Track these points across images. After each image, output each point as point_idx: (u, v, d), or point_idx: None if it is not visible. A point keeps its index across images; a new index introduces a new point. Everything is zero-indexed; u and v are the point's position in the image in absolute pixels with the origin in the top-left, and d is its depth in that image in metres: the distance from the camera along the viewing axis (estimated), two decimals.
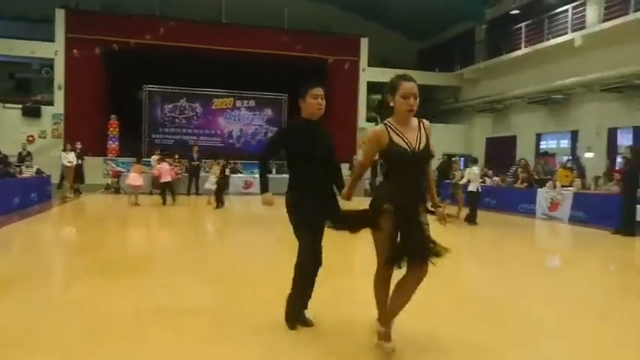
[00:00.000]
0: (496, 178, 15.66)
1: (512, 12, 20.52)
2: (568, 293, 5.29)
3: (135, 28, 20.57)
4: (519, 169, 14.71)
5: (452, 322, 4.03)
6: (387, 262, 3.12)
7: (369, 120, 23.21)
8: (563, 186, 12.68)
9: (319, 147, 3.64)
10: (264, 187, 3.70)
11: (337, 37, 22.71)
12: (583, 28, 16.77)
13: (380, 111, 24.28)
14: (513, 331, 3.88)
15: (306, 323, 3.69)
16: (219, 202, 12.91)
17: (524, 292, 5.24)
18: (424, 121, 3.27)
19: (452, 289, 5.14)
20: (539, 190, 13.17)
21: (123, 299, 4.43)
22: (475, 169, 11.26)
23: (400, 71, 22.79)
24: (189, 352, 3.29)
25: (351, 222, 3.34)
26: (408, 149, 3.09)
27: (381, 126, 3.19)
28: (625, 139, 15.73)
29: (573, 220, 11.62)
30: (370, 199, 3.28)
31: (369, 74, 23.22)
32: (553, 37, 17.95)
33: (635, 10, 14.93)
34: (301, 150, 3.62)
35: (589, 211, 11.22)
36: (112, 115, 20.10)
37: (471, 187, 10.89)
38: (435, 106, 25.46)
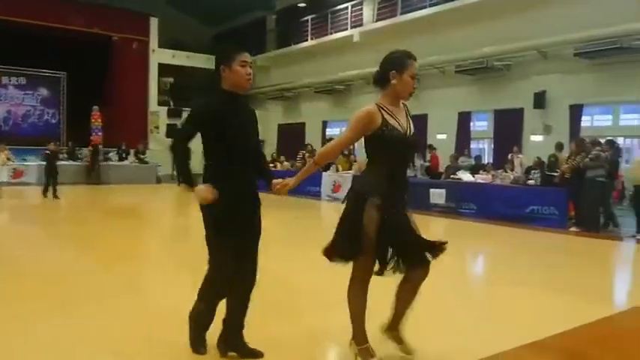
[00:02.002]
0: (287, 163, 16.52)
1: (299, 4, 21.50)
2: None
3: None
4: (306, 154, 15.63)
5: None
6: (380, 263, 2.78)
7: (160, 104, 22.27)
8: (344, 170, 13.84)
9: (249, 128, 2.98)
10: (189, 179, 2.87)
11: (124, 12, 21.10)
12: (361, 25, 18.39)
13: (171, 94, 23.49)
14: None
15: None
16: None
17: (313, 269, 5.52)
18: (406, 104, 3.02)
19: None
20: (323, 173, 14.15)
21: None
22: None
23: (193, 55, 22.33)
24: None
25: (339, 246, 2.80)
26: (402, 132, 2.81)
27: (373, 105, 2.84)
28: None
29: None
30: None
31: (159, 56, 22.22)
32: (336, 32, 19.34)
33: (402, 14, 16.89)
34: (228, 132, 2.84)
35: None
36: None
37: None
38: None
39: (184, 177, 2.89)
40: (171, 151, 2.92)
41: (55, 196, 11.92)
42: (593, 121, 13.43)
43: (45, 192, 12.09)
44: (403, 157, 2.93)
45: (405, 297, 2.91)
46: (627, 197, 10.23)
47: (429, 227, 10.11)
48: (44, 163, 12.81)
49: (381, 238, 2.69)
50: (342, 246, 2.76)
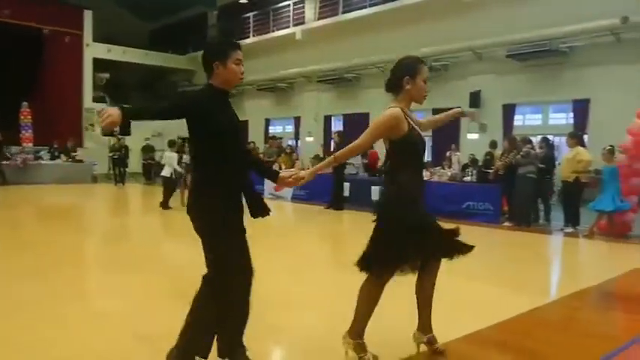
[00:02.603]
0: None
1: (241, 1, 21.28)
2: (282, 263, 5.75)
3: None
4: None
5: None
6: (407, 261, 2.90)
7: (96, 100, 21.46)
8: (287, 168, 13.80)
9: (238, 127, 2.82)
10: (128, 115, 2.39)
11: (56, 4, 20.13)
12: (303, 23, 18.41)
13: (107, 90, 22.68)
14: None
15: None
16: None
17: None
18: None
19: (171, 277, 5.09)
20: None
21: None
22: (169, 153, 10.76)
23: (131, 50, 21.64)
24: None
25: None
26: (422, 136, 2.99)
27: (397, 110, 2.89)
28: (337, 125, 17.96)
29: (295, 198, 12.79)
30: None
31: (94, 50, 21.39)
32: (278, 30, 19.27)
33: (343, 12, 17.04)
34: (219, 129, 2.63)
35: (308, 190, 12.47)
36: None
37: (164, 172, 10.46)
38: (170, 89, 24.93)
39: (131, 110, 2.45)
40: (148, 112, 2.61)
41: None
42: (525, 120, 14.07)
43: None
44: (422, 161, 3.16)
45: (427, 293, 3.07)
46: (556, 192, 10.78)
47: (370, 224, 10.31)
48: None
49: (414, 240, 2.82)
50: (383, 255, 2.83)
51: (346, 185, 11.43)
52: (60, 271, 5.16)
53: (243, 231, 2.73)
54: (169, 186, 10.34)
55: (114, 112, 2.27)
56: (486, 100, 13.76)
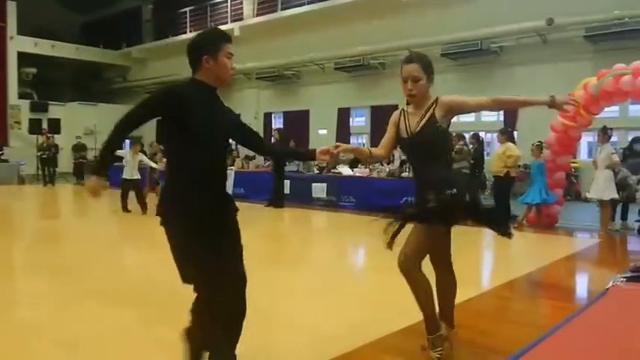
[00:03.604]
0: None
1: None
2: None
3: None
4: None
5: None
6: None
7: (22, 97, 20.36)
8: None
9: (225, 127, 2.52)
10: (102, 166, 2.29)
11: None
12: (241, 19, 18.20)
13: (35, 86, 21.56)
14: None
15: None
16: None
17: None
18: (440, 97, 3.01)
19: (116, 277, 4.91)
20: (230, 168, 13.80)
21: None
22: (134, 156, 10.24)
23: (60, 44, 20.70)
24: None
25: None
26: (406, 135, 2.96)
27: (399, 109, 3.08)
28: (278, 123, 17.90)
29: (236, 196, 12.60)
30: None
31: (19, 44, 20.26)
32: (215, 25, 18.92)
33: (282, 9, 16.98)
34: (204, 129, 2.34)
35: (247, 188, 12.35)
36: None
37: (125, 174, 9.78)
38: (103, 85, 24.01)
39: (99, 162, 2.28)
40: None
41: None
42: (459, 117, 14.52)
43: None
44: (414, 157, 3.08)
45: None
46: (487, 187, 11.20)
47: (311, 220, 10.34)
48: None
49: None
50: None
51: (286, 182, 11.41)
52: None
53: (231, 235, 2.50)
54: (127, 188, 9.63)
55: (92, 182, 2.24)
56: None
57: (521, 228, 8.44)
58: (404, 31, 13.83)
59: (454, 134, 10.12)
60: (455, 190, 2.72)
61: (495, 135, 10.75)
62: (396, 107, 13.28)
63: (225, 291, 2.36)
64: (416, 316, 3.71)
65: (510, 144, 9.08)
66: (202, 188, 2.35)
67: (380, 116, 15.32)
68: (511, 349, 3.09)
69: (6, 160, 17.01)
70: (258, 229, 8.91)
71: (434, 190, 2.76)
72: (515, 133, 11.58)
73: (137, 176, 9.69)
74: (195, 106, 2.32)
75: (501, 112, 13.31)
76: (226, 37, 2.48)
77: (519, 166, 9.22)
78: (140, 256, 6.18)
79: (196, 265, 2.32)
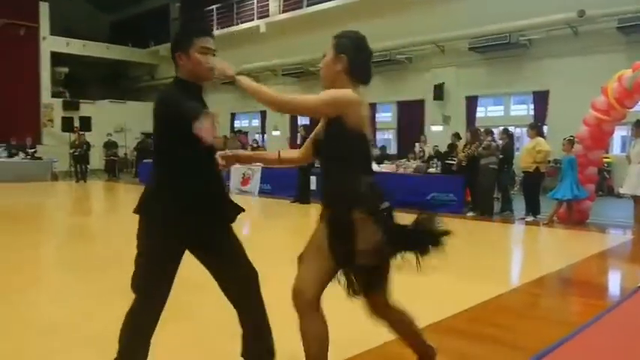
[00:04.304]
0: None
1: None
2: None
3: None
4: None
5: None
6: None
7: (55, 95, 20.85)
8: None
9: None
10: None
11: None
12: (267, 16, 18.27)
13: (68, 85, 22.07)
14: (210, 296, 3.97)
15: None
16: None
17: None
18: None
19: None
20: (232, 167, 13.94)
21: None
22: None
23: (91, 43, 21.09)
24: None
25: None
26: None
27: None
28: (304, 119, 17.92)
29: (262, 192, 12.72)
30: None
31: (52, 44, 20.74)
32: (242, 22, 19.08)
33: (308, 5, 16.98)
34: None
35: (274, 184, 12.42)
36: None
37: None
38: (131, 83, 24.44)
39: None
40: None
41: None
42: (487, 112, 14.35)
43: None
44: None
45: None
46: (517, 182, 11.03)
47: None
48: None
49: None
50: None
51: (312, 179, 11.43)
52: (19, 274, 5.00)
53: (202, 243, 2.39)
54: None
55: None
56: (450, 92, 13.97)
57: (551, 224, 8.31)
58: (431, 25, 13.69)
59: (482, 129, 10.00)
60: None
61: (524, 130, 10.56)
62: (422, 102, 13.25)
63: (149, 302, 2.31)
64: (440, 313, 3.71)
65: (540, 139, 8.93)
66: (187, 188, 2.30)
67: (406, 112, 15.22)
68: (538, 346, 3.05)
69: (40, 158, 17.48)
70: (284, 225, 8.97)
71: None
72: (545, 127, 11.39)
73: None
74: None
75: (531, 106, 13.08)
76: (200, 31, 2.38)
77: (549, 161, 9.05)
78: None
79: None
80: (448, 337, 3.34)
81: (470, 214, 9.38)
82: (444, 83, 13.96)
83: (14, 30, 19.49)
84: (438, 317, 3.60)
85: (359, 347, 3.15)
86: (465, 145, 9.86)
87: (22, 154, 17.08)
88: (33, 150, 17.48)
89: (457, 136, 11.29)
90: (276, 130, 18.19)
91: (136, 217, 2.34)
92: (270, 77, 18.35)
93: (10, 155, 17.03)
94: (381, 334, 3.38)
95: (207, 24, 19.15)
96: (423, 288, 4.56)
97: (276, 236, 7.95)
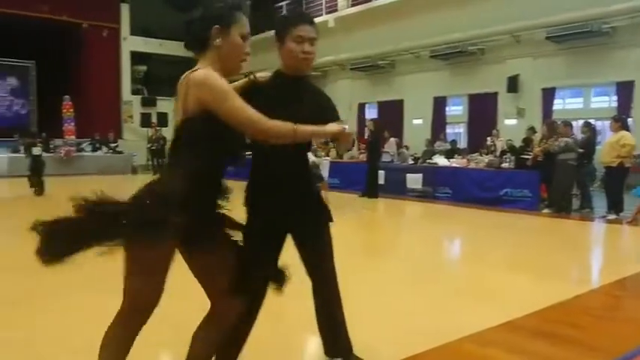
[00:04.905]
0: None
1: None
2: None
3: None
4: None
5: None
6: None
7: (134, 93, 21.92)
8: (324, 155, 13.83)
9: (292, 115, 2.04)
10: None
11: None
12: (335, 10, 18.30)
13: (146, 83, 23.11)
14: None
15: None
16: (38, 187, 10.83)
17: None
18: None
19: None
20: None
21: None
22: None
23: (167, 42, 21.90)
24: None
25: None
26: None
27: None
28: (371, 113, 17.85)
29: (330, 186, 12.80)
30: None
31: (131, 44, 21.79)
32: None
33: None
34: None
35: (342, 178, 12.47)
36: None
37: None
38: None
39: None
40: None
41: (37, 191, 10.91)
42: (565, 104, 13.68)
43: (32, 186, 10.95)
44: None
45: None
46: (598, 178, 10.46)
47: (406, 212, 10.25)
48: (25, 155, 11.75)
49: None
50: None
51: (381, 173, 11.38)
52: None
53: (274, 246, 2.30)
54: None
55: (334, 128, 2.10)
56: (525, 84, 13.42)
57: (635, 223, 7.83)
58: (505, 14, 13.19)
59: (559, 122, 9.55)
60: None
61: (605, 123, 9.99)
62: (495, 95, 12.86)
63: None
64: (517, 312, 3.60)
65: (625, 132, 8.41)
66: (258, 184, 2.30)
67: (478, 105, 14.79)
68: (619, 349, 2.91)
69: (121, 152, 18.51)
70: (352, 218, 9.00)
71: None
72: (630, 120, 10.70)
73: None
74: (260, 95, 2.22)
75: (614, 98, 12.36)
76: (292, 19, 2.29)
77: (634, 156, 8.51)
78: None
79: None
80: (523, 337, 3.24)
81: (545, 210, 9.01)
82: (518, 75, 13.42)
83: (98, 32, 20.64)
84: (512, 316, 3.51)
85: (459, 332, 3.16)
86: (541, 139, 9.47)
87: (104, 149, 18.16)
88: (115, 144, 18.53)
89: (532, 129, 10.86)
90: (344, 124, 18.23)
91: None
92: (339, 72, 18.39)
93: (94, 149, 18.15)
94: (479, 320, 3.35)
95: (304, 10, 19.46)
96: (498, 286, 4.46)
97: (343, 230, 8.00)
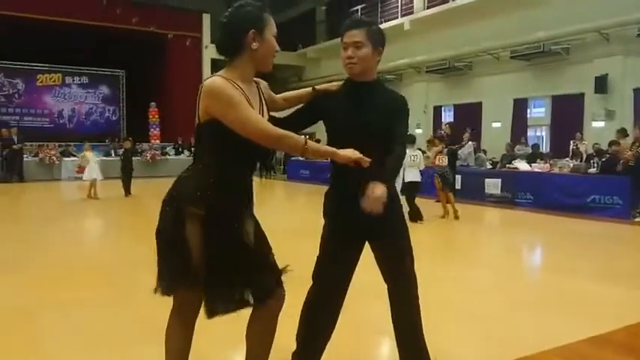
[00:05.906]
0: None
1: None
2: None
3: None
4: None
5: None
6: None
7: None
8: None
9: (355, 120, 2.24)
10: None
11: (177, 11, 21.65)
12: (411, 13, 18.12)
13: None
14: None
15: None
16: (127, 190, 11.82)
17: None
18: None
19: None
20: None
21: None
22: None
23: None
24: None
25: None
26: None
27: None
28: (448, 117, 17.50)
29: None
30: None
31: (212, 52, 22.67)
32: (386, 21, 19.12)
33: (453, 0, 16.50)
34: (330, 122, 2.34)
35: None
36: None
37: (411, 177, 8.60)
38: (280, 85, 25.78)
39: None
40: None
41: (128, 193, 11.82)
42: None
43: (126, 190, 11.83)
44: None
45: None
46: None
47: (484, 218, 9.94)
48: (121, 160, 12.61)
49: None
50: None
51: (457, 177, 11.11)
52: None
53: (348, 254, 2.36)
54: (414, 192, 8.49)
55: (381, 192, 1.97)
56: (614, 84, 12.63)
57: None
58: (591, 10, 12.49)
59: None
60: None
61: None
62: (581, 96, 12.25)
63: None
64: (606, 325, 3.40)
65: None
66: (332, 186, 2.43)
67: (562, 107, 14.11)
68: None
69: None
70: (429, 224, 8.85)
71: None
72: None
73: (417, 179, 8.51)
74: (328, 100, 2.44)
75: None
76: (343, 26, 2.35)
77: None
78: None
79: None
80: (612, 352, 3.07)
81: (638, 219, 8.44)
82: (607, 75, 12.65)
83: (182, 41, 21.67)
84: (601, 330, 3.33)
85: (543, 344, 3.08)
86: (634, 143, 8.89)
87: (186, 152, 19.02)
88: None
89: (624, 131, 10.21)
90: (419, 128, 17.95)
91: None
92: (414, 74, 18.20)
93: (177, 153, 19.05)
94: (566, 332, 3.22)
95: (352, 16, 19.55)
96: (585, 297, 4.24)
97: (420, 236, 7.89)
